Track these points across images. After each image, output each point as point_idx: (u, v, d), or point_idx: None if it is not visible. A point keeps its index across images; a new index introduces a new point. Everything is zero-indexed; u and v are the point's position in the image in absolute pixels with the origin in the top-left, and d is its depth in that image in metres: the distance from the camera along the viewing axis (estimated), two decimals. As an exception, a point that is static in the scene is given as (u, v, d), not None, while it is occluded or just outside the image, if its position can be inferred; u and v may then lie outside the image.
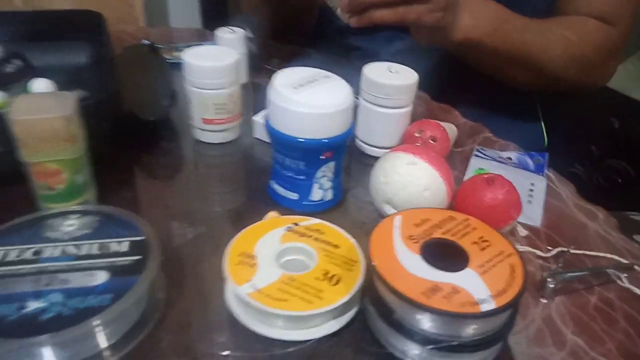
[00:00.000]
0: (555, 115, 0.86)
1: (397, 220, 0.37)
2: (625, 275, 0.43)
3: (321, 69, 0.47)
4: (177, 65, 0.56)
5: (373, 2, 0.54)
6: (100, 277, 0.34)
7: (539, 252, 0.45)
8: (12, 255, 0.35)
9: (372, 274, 0.35)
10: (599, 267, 0.43)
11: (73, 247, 0.36)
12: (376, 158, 0.48)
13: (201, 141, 0.57)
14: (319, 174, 0.45)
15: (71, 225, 0.38)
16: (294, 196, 0.47)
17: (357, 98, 0.51)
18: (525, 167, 0.56)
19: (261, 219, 0.42)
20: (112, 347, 0.33)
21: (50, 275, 0.34)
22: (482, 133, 0.63)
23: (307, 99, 0.42)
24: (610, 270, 0.43)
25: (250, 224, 0.41)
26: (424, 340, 0.32)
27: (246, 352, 0.34)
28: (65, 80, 0.55)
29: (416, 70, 0.55)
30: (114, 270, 0.35)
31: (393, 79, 0.52)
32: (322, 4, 0.60)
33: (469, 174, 0.54)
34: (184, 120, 0.58)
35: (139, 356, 0.34)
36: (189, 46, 0.58)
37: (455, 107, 0.69)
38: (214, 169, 0.56)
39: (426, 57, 0.65)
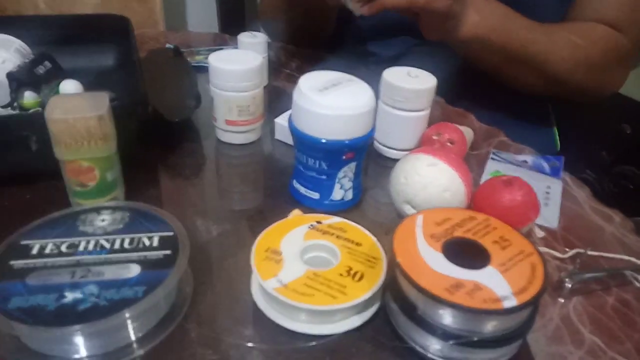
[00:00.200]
0: (567, 121, 0.86)
1: (419, 220, 0.38)
2: (642, 277, 0.43)
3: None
4: (199, 68, 0.57)
5: None
6: (133, 270, 0.35)
7: (556, 253, 0.45)
8: (49, 248, 0.37)
9: (395, 271, 0.36)
10: (616, 269, 0.44)
11: (106, 241, 0.38)
12: (394, 160, 0.49)
13: (224, 142, 0.59)
14: (341, 174, 0.46)
15: (104, 220, 0.40)
16: (315, 195, 0.48)
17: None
18: (541, 170, 0.57)
19: (283, 217, 0.43)
20: (142, 339, 0.35)
21: (85, 267, 0.35)
22: (497, 137, 0.64)
23: (331, 102, 0.43)
24: (627, 272, 0.43)
25: (273, 222, 0.42)
26: (446, 335, 0.33)
27: (271, 345, 0.36)
28: (93, 82, 0.57)
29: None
30: (146, 264, 0.36)
31: (412, 82, 0.53)
32: (337, 4, 0.60)
33: (486, 176, 0.55)
34: (208, 121, 0.59)
35: (168, 347, 0.35)
36: (209, 50, 0.59)
37: (469, 112, 0.69)
38: (236, 168, 0.57)
39: (442, 63, 0.66)
